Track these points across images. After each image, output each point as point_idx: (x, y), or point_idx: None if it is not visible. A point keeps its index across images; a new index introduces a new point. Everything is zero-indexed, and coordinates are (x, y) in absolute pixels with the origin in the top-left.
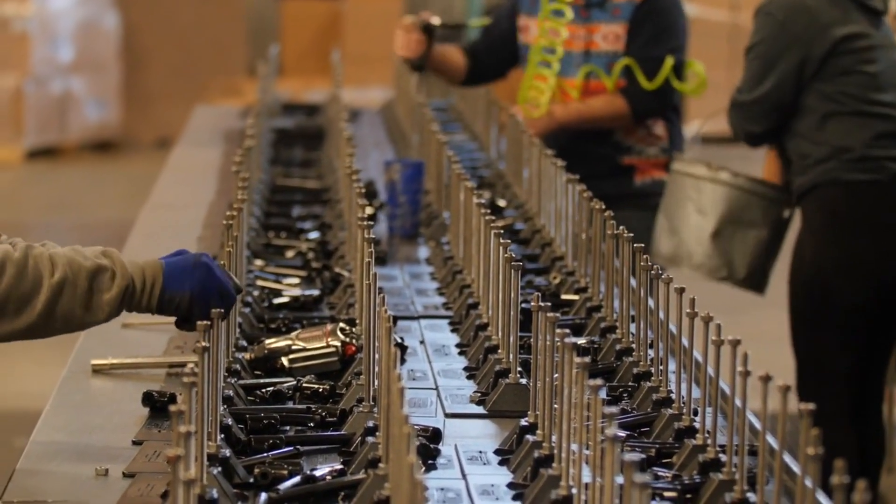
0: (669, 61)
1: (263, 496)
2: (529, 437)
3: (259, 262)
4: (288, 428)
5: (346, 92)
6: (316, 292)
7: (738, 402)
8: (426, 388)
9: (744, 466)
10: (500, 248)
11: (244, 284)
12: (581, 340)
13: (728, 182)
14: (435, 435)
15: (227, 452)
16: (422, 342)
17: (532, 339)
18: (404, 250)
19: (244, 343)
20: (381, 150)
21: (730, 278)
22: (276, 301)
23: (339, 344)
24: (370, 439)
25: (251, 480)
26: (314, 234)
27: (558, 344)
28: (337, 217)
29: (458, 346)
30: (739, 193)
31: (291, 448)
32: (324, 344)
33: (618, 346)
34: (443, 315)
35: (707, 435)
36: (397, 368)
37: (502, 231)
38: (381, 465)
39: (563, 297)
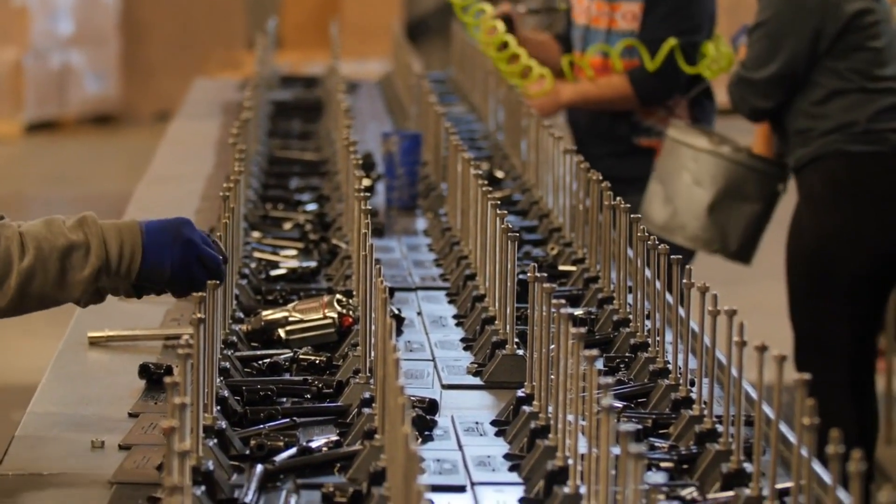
0: (670, 43)
1: (259, 468)
2: (526, 408)
3: (256, 234)
4: (284, 399)
5: (345, 64)
6: (313, 264)
7: (734, 373)
8: (423, 360)
9: (740, 437)
10: (498, 219)
11: (241, 256)
12: (578, 311)
13: (729, 157)
14: (431, 406)
15: (224, 424)
16: (419, 313)
17: (529, 310)
18: (402, 222)
19: (241, 315)
20: (379, 122)
21: (722, 251)
22: (274, 273)
23: (335, 315)
24: (366, 411)
25: (247, 452)
26: (312, 206)
27: (555, 315)
28: (334, 189)
29: (455, 317)
30: (739, 168)
31: (288, 420)
32: (321, 315)
33: (615, 317)
34: (440, 286)
35: (703, 405)
36: (393, 340)
37: (500, 202)
38: (377, 436)
39: (561, 268)
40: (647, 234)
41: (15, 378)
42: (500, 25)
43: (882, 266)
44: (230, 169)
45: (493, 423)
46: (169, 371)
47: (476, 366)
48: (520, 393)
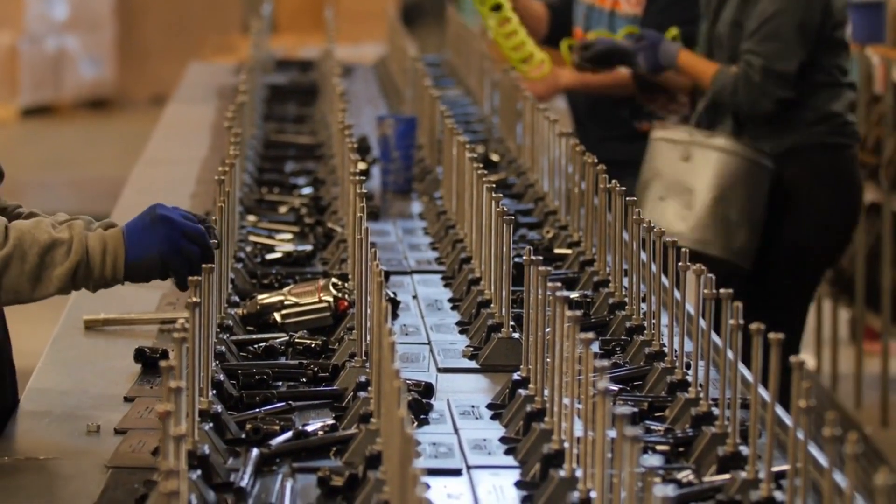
0: (671, 32)
1: (255, 451)
2: (521, 392)
3: (252, 218)
4: (280, 383)
5: (340, 48)
6: (309, 248)
7: (730, 355)
8: (419, 343)
9: (736, 419)
10: (493, 202)
11: (236, 240)
12: (574, 294)
13: (722, 148)
14: (427, 389)
15: (219, 408)
16: (415, 297)
17: (524, 294)
18: (397, 205)
19: (236, 299)
20: (374, 106)
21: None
22: (269, 256)
23: (331, 299)
24: (362, 394)
25: (243, 436)
26: (307, 190)
27: (550, 298)
28: (330, 172)
29: (450, 300)
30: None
31: (283, 403)
32: (316, 299)
33: (610, 300)
34: (436, 270)
35: (699, 388)
36: (389, 323)
37: (495, 185)
38: (372, 419)
39: (556, 251)
40: (641, 217)
41: None
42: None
43: (841, 251)
44: (225, 153)
45: (489, 406)
46: (164, 355)
47: (472, 349)
48: (515, 376)
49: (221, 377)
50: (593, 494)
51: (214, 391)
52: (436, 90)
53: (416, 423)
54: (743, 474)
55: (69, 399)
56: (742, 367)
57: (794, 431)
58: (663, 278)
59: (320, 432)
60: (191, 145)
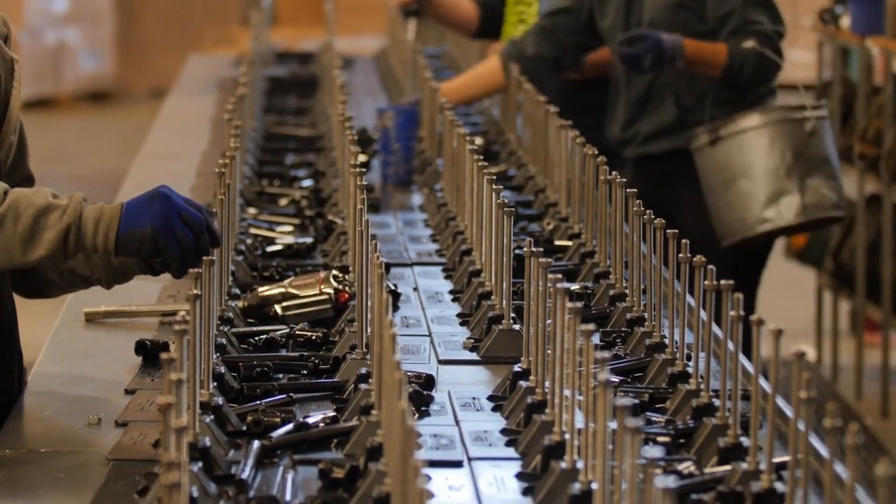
0: None
1: (256, 444)
2: (522, 383)
3: (252, 210)
4: (281, 375)
5: (340, 40)
6: (309, 240)
7: (731, 347)
8: (419, 335)
9: (737, 411)
10: (494, 194)
11: (237, 232)
12: (574, 286)
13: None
14: (428, 381)
15: (220, 400)
16: (415, 289)
17: (525, 285)
18: (398, 197)
19: (237, 291)
20: (374, 98)
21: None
22: (270, 249)
23: (332, 291)
24: (363, 386)
25: (244, 428)
26: (307, 182)
27: (551, 290)
28: (330, 165)
29: (451, 292)
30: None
31: (284, 395)
32: (317, 291)
33: (611, 292)
34: (436, 262)
35: (700, 380)
36: (390, 315)
37: (495, 177)
38: (373, 411)
39: (557, 243)
40: (641, 209)
41: None
42: None
43: None
44: (226, 145)
45: (490, 398)
46: (165, 347)
47: (473, 341)
48: (516, 368)
49: (222, 369)
50: (594, 486)
51: (215, 383)
52: (436, 82)
53: (416, 415)
54: (744, 465)
55: (70, 391)
56: (743, 359)
57: (795, 423)
58: (664, 270)
59: (321, 424)
60: (191, 138)
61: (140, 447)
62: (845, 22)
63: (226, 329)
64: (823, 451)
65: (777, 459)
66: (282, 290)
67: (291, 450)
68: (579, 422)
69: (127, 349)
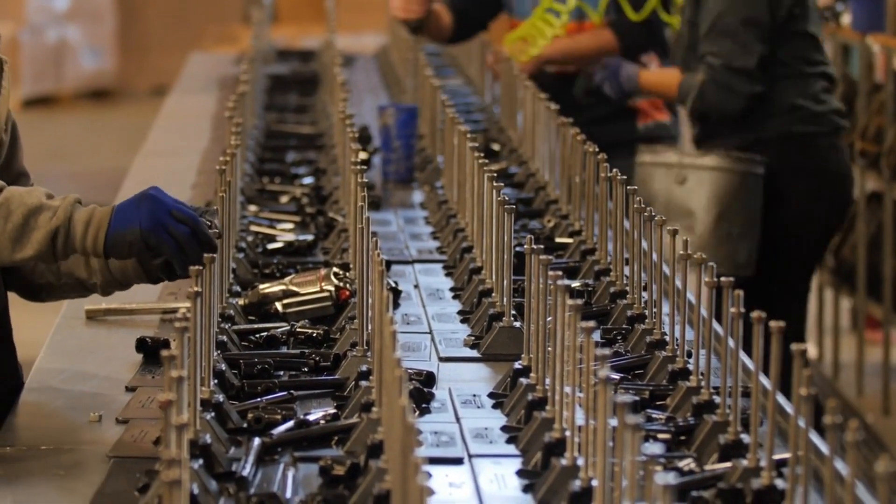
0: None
1: (257, 441)
2: (523, 380)
3: (253, 208)
4: (282, 373)
5: (341, 38)
6: (310, 237)
7: (731, 344)
8: (420, 332)
9: (737, 408)
10: (494, 191)
11: (237, 230)
12: (575, 283)
13: (715, 167)
14: (429, 379)
15: (221, 398)
16: (416, 286)
17: (526, 282)
18: (398, 195)
19: (238, 288)
20: (375, 96)
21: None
22: (270, 246)
23: (332, 289)
24: (364, 383)
25: (245, 425)
26: (308, 180)
27: (552, 287)
28: (331, 162)
29: (452, 289)
30: (728, 176)
31: (285, 393)
32: (318, 289)
33: (612, 289)
34: (437, 259)
35: (701, 377)
36: (390, 312)
37: (496, 175)
38: (374, 409)
39: (558, 240)
40: (643, 205)
41: None
42: None
43: (829, 237)
44: (226, 143)
45: (491, 395)
46: (166, 345)
47: (473, 338)
48: (517, 365)
49: (223, 367)
50: (595, 483)
51: (216, 380)
52: (437, 80)
53: (417, 412)
54: (744, 462)
55: (71, 389)
56: (743, 356)
57: (796, 419)
58: (664, 266)
59: (322, 421)
60: (192, 136)
61: (141, 444)
62: (846, 19)
63: (227, 326)
64: (824, 448)
65: (777, 456)
66: (282, 287)
67: (292, 447)
68: (580, 419)
69: (128, 346)
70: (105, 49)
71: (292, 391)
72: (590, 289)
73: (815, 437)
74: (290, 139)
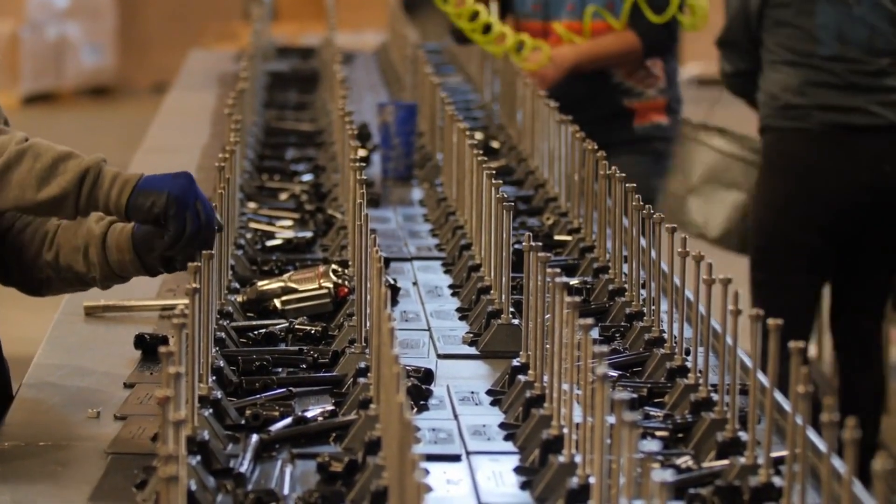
0: None
1: (255, 437)
2: (521, 378)
3: (252, 205)
4: (280, 369)
5: (341, 35)
6: (309, 234)
7: (729, 341)
8: (419, 329)
9: (735, 405)
10: (493, 188)
11: (236, 227)
12: (573, 281)
13: (715, 147)
14: (427, 375)
15: (219, 394)
16: (415, 283)
17: (524, 280)
18: (398, 192)
19: (236, 285)
20: (374, 93)
21: (703, 237)
22: (269, 243)
23: (331, 286)
24: (362, 380)
25: (243, 422)
26: (307, 177)
27: (550, 284)
28: (330, 159)
29: (450, 287)
30: (722, 158)
31: (283, 389)
32: (316, 286)
33: (610, 287)
34: (436, 256)
35: (699, 374)
36: (389, 309)
37: (495, 172)
38: (372, 405)
39: (557, 237)
40: (641, 202)
41: (11, 349)
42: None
43: (818, 237)
44: (226, 140)
45: (489, 392)
46: (164, 341)
47: (471, 335)
48: (515, 362)
49: (221, 363)
50: (592, 480)
51: (214, 377)
52: (436, 77)
53: (415, 409)
54: (742, 460)
55: (69, 385)
56: (741, 353)
57: (793, 417)
58: (663, 264)
59: (320, 418)
60: (191, 133)
61: (139, 441)
62: None
63: (225, 323)
64: (822, 446)
65: (775, 454)
66: (281, 284)
67: (290, 443)
68: (578, 416)
69: (126, 343)
70: (105, 46)
71: (290, 388)
72: (588, 286)
73: (812, 435)
74: (290, 136)
